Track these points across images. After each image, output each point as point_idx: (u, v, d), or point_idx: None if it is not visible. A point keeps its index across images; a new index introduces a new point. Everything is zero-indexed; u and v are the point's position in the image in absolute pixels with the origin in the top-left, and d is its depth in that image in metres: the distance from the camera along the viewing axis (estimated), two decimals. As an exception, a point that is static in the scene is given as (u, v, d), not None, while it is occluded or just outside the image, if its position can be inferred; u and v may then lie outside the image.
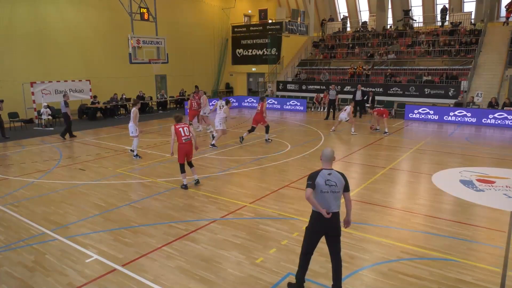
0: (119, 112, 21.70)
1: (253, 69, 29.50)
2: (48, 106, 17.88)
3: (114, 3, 19.85)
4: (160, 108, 24.03)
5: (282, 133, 15.81)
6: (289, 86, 25.74)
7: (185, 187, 8.83)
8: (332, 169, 4.50)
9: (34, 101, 18.31)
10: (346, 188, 4.51)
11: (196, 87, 22.33)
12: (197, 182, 9.08)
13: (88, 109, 20.11)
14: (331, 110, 19.84)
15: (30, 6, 18.83)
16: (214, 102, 16.38)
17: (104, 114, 20.89)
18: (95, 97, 20.47)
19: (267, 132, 13.95)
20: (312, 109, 23.77)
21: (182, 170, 8.82)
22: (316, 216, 4.51)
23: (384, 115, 15.59)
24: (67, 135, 14.97)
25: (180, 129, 8.60)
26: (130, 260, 5.65)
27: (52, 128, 17.20)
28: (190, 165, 8.98)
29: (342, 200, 4.55)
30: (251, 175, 9.87)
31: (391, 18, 29.88)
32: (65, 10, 20.24)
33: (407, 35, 25.84)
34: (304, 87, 25.07)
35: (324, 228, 4.52)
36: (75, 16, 20.66)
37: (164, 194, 8.54)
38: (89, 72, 21.25)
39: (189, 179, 9.07)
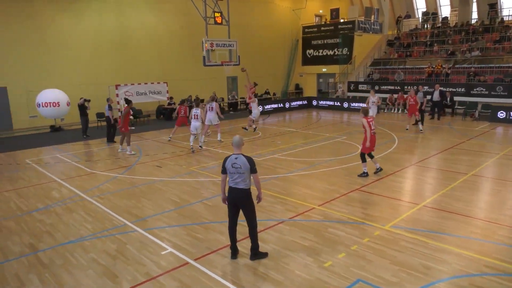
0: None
1: (324, 69, 29.08)
2: (129, 107, 19.27)
3: (188, 8, 20.85)
4: (231, 109, 24.69)
5: (352, 135, 15.36)
6: (360, 87, 24.97)
7: (366, 174, 9.62)
8: (240, 154, 5.41)
9: (118, 102, 19.84)
10: (253, 171, 5.40)
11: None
12: (380, 170, 9.84)
13: (165, 109, 21.36)
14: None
15: (115, 14, 20.54)
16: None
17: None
18: (171, 98, 21.65)
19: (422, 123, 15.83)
20: (385, 110, 22.78)
21: (365, 159, 9.64)
22: (228, 191, 5.58)
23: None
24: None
25: (371, 122, 9.45)
26: (201, 254, 5.89)
27: (134, 128, 18.49)
28: (371, 156, 9.72)
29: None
30: (319, 177, 9.74)
31: (476, 13, 27.57)
32: (145, 17, 21.73)
33: (494, 30, 23.66)
34: (377, 87, 24.14)
35: (233, 200, 5.51)
36: (154, 22, 22.08)
37: (234, 193, 8.74)
38: (166, 74, 22.53)
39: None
